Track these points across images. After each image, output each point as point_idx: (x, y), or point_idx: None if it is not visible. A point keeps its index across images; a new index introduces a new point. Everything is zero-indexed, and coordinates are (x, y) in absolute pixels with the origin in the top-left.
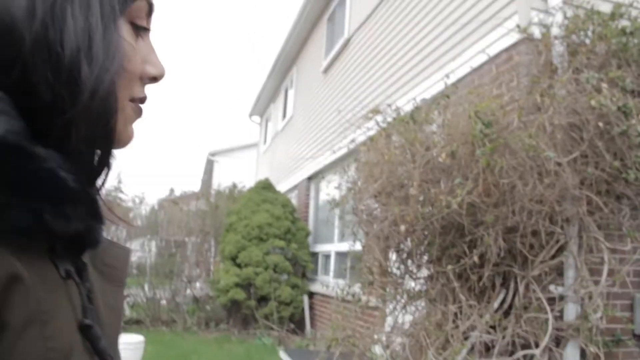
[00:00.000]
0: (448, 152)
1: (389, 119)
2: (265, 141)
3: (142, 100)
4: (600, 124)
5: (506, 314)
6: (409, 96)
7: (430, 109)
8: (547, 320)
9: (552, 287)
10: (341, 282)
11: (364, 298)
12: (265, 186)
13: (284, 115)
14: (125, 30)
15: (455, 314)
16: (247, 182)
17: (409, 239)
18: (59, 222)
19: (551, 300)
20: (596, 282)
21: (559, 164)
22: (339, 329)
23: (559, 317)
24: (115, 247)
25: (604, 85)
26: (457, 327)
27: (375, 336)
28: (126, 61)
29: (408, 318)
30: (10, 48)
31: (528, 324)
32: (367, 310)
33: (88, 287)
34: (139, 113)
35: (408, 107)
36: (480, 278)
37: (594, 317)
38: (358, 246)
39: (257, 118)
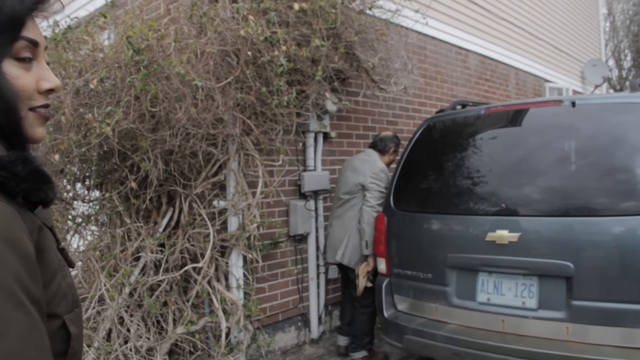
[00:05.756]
0: (98, 79)
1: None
2: None
3: (44, 106)
4: (249, 53)
5: (174, 232)
6: (67, 11)
7: (88, 29)
8: (209, 234)
9: (215, 203)
10: None
11: None
12: None
13: None
14: (12, 65)
15: (123, 237)
16: None
17: (73, 165)
18: (50, 194)
19: (217, 215)
20: (254, 195)
21: (210, 90)
22: None
23: (224, 229)
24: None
25: (251, 17)
26: (125, 249)
27: None
28: (18, 87)
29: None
30: None
31: (194, 239)
32: None
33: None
34: (43, 117)
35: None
36: (145, 200)
37: (250, 227)
38: None
39: None
